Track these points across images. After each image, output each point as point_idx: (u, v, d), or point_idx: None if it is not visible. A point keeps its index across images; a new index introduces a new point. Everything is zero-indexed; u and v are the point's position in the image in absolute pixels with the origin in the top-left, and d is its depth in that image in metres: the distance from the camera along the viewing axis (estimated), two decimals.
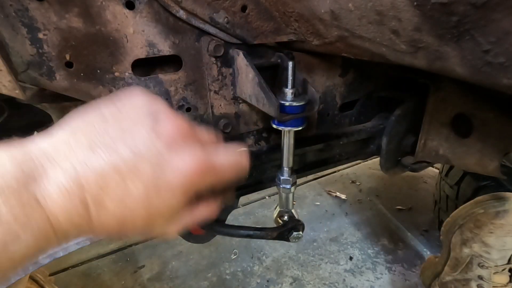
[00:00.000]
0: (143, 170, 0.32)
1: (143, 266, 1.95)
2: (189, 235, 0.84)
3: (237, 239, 2.04)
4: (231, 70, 0.69)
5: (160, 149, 0.34)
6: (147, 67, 0.65)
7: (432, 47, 0.40)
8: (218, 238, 1.28)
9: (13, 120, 1.12)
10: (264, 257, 1.93)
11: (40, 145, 0.31)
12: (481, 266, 1.20)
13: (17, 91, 0.50)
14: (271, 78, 0.70)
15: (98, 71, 0.57)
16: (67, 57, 0.54)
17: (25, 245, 0.27)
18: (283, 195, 0.74)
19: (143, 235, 0.36)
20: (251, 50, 0.68)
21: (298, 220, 0.72)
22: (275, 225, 0.75)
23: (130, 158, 0.32)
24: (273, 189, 0.85)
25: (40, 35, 0.51)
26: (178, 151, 0.35)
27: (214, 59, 0.66)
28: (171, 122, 0.36)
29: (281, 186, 0.73)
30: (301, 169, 0.88)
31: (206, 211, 0.42)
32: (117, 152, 0.32)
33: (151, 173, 0.33)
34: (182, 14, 0.58)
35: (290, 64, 0.62)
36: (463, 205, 1.21)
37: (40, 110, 1.07)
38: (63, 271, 1.88)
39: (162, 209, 0.35)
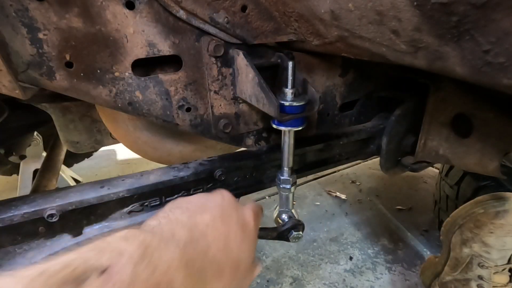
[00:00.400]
0: (231, 220, 0.49)
1: None
2: None
3: None
4: (231, 70, 0.69)
5: (233, 209, 0.52)
6: (147, 67, 0.65)
7: (432, 47, 0.40)
8: None
9: (13, 120, 1.12)
10: (264, 257, 1.93)
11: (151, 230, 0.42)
12: (481, 266, 1.20)
13: (17, 91, 0.50)
14: (271, 78, 0.70)
15: (98, 71, 0.57)
16: (67, 57, 0.54)
17: None
18: (283, 195, 0.74)
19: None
20: (251, 50, 0.68)
21: (298, 220, 0.72)
22: (275, 225, 0.75)
23: (217, 217, 0.48)
24: (273, 189, 0.85)
25: (40, 35, 0.51)
26: (241, 207, 0.55)
27: (214, 59, 0.66)
28: (225, 193, 0.55)
29: (281, 186, 0.73)
30: (301, 169, 0.88)
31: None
32: (209, 214, 0.48)
33: (236, 222, 0.50)
34: (182, 14, 0.58)
35: (290, 64, 0.62)
36: (463, 205, 1.21)
37: (40, 110, 1.07)
38: None
39: (250, 248, 0.50)
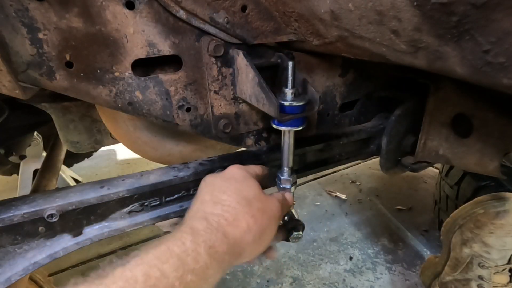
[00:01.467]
0: (256, 206, 0.56)
1: None
2: None
3: None
4: (231, 70, 0.69)
5: (259, 195, 0.59)
6: (147, 67, 0.65)
7: (432, 47, 0.40)
8: None
9: (13, 120, 1.12)
10: (264, 257, 1.93)
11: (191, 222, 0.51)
12: (481, 266, 1.20)
13: (17, 91, 0.50)
14: (271, 78, 0.70)
15: (98, 71, 0.57)
16: (67, 57, 0.54)
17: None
18: None
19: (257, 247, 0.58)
20: (251, 50, 0.68)
21: (298, 220, 0.72)
22: None
23: (247, 203, 0.56)
24: (273, 189, 0.85)
25: (40, 35, 0.51)
26: (266, 196, 0.61)
27: (214, 59, 0.66)
28: (253, 184, 0.60)
29: (281, 186, 0.73)
30: (301, 169, 0.88)
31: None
32: (237, 202, 0.55)
33: (261, 207, 0.57)
34: (182, 14, 0.58)
35: (290, 64, 0.62)
36: (463, 205, 1.21)
37: (40, 110, 1.07)
38: (63, 271, 1.87)
39: (270, 228, 0.57)
